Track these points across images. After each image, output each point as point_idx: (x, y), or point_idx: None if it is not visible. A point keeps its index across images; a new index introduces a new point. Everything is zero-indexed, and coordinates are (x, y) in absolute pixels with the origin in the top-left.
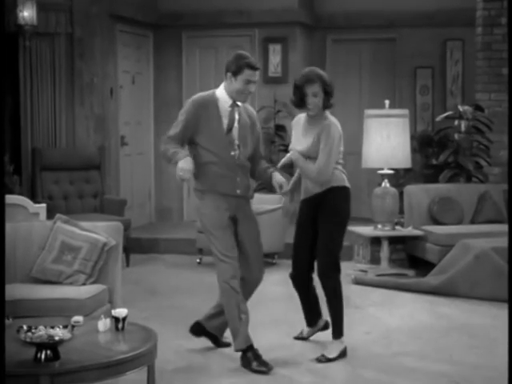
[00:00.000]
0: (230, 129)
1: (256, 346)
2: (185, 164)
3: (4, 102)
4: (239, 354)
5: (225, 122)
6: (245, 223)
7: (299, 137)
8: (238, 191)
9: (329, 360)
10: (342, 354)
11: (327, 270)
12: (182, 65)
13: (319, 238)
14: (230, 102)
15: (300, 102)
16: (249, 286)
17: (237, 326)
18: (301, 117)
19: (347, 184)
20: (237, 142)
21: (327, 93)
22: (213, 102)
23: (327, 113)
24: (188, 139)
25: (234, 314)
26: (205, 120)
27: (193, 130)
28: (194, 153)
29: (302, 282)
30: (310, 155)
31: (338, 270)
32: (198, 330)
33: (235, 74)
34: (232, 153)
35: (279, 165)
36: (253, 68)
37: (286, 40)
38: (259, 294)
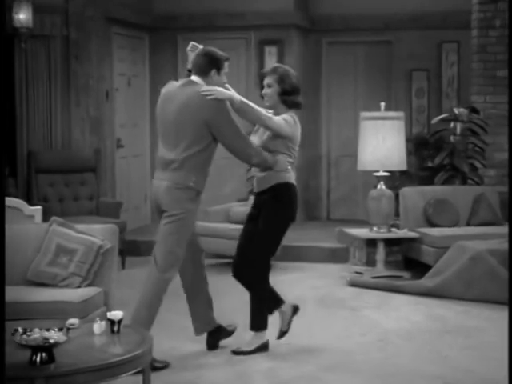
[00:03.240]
0: None
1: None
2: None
3: (4, 104)
4: (236, 358)
5: None
6: None
7: (259, 130)
8: None
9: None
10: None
11: None
12: (177, 67)
13: None
14: None
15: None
16: None
17: None
18: None
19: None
20: None
21: (285, 90)
22: None
23: (290, 112)
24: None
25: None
26: None
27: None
28: (208, 153)
29: None
30: (267, 148)
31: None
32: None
33: (219, 69)
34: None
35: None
36: (228, 59)
37: (281, 42)
38: None
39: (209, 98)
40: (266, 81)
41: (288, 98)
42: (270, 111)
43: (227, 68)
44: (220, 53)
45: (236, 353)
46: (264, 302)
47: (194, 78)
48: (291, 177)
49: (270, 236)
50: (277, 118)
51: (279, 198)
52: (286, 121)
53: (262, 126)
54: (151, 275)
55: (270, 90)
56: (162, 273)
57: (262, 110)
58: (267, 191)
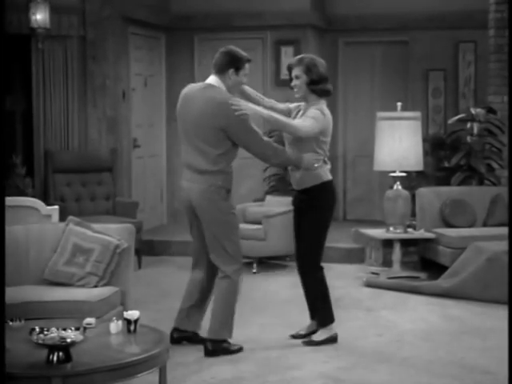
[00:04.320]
0: None
1: (267, 347)
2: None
3: (4, 104)
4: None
5: None
6: None
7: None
8: None
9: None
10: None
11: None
12: (194, 67)
13: None
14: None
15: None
16: None
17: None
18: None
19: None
20: None
21: (312, 79)
22: None
23: (321, 101)
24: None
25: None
26: None
27: None
28: (232, 154)
29: None
30: (296, 148)
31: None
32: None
33: (238, 69)
34: None
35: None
36: (249, 61)
37: (297, 42)
38: (271, 297)
39: (237, 113)
40: (294, 72)
41: (317, 87)
42: (301, 103)
43: (248, 69)
44: (241, 53)
45: (305, 343)
46: (320, 298)
47: (212, 78)
48: (323, 173)
49: (312, 239)
50: (302, 124)
51: (315, 203)
52: (314, 118)
53: (292, 135)
54: (220, 284)
55: (299, 81)
56: (232, 276)
57: (289, 119)
58: (304, 192)
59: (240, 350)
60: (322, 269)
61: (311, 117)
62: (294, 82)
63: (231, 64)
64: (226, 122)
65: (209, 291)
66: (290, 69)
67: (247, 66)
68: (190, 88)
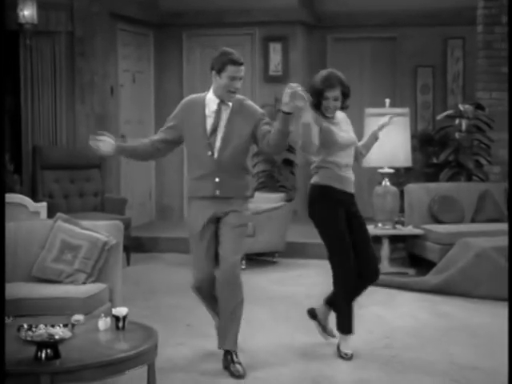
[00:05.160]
0: (214, 129)
1: (256, 344)
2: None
3: (4, 103)
4: (241, 352)
5: (209, 122)
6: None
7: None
8: (218, 192)
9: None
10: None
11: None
12: (182, 64)
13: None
14: (217, 101)
15: (318, 105)
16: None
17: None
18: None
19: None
20: (218, 142)
21: (345, 94)
22: (200, 104)
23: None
24: (174, 141)
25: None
26: (188, 122)
27: (178, 133)
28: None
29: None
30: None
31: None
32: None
33: (219, 71)
34: (209, 153)
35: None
36: (236, 63)
37: (286, 39)
38: (260, 293)
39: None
40: (333, 94)
41: (345, 103)
42: None
43: (234, 72)
44: (226, 56)
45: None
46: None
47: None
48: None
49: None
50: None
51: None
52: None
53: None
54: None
55: (338, 103)
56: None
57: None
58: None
59: None
60: None
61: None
62: (333, 104)
63: (212, 65)
64: None
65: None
66: (321, 91)
67: (231, 68)
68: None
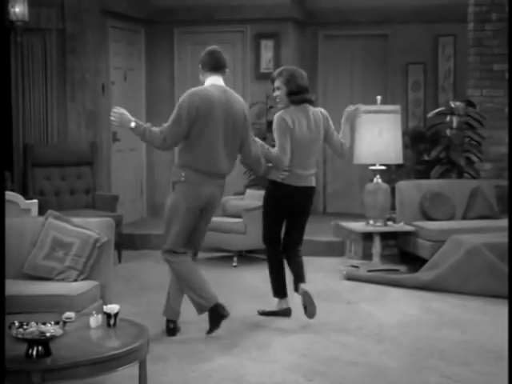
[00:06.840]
0: None
1: (246, 340)
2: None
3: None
4: (233, 349)
5: None
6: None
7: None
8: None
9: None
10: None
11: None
12: (173, 60)
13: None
14: None
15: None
16: None
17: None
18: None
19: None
20: None
21: (291, 90)
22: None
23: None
24: None
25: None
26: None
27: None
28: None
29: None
30: None
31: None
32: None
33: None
34: None
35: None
36: (200, 63)
37: (277, 36)
38: (251, 290)
39: None
40: (275, 84)
41: (296, 97)
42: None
43: (201, 72)
44: (204, 55)
45: (261, 313)
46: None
47: (217, 79)
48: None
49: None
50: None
51: None
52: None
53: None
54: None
55: (280, 92)
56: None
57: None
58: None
59: None
60: None
61: (273, 128)
62: (276, 93)
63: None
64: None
65: None
66: (272, 80)
67: (199, 66)
68: (212, 93)
